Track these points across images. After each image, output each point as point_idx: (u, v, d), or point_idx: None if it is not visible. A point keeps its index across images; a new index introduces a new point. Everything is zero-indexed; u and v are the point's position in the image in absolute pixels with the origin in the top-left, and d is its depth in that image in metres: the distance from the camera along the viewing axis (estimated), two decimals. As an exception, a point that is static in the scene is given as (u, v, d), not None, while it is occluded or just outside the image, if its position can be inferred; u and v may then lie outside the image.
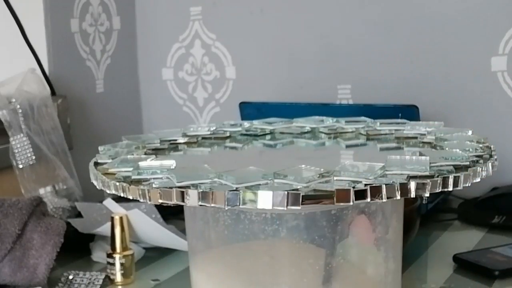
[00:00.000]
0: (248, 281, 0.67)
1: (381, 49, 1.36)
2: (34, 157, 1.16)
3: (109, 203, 1.05)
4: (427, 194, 0.59)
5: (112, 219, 0.96)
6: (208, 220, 0.68)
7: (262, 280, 0.66)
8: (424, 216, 1.11)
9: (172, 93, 1.54)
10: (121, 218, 0.95)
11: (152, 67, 1.55)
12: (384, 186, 0.58)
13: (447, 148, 0.70)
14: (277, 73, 1.45)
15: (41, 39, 1.30)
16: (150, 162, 0.66)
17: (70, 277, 0.96)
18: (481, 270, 0.94)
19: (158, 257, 1.05)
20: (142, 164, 0.65)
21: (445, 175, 0.60)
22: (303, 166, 0.61)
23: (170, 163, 0.65)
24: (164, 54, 1.53)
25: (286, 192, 0.56)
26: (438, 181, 0.60)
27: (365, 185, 0.58)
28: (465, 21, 1.30)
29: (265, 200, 0.57)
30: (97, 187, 0.67)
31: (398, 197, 0.58)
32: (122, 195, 0.63)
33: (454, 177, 0.61)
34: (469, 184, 0.62)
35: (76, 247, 1.04)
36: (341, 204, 0.57)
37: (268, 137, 0.84)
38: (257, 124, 0.86)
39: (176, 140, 0.82)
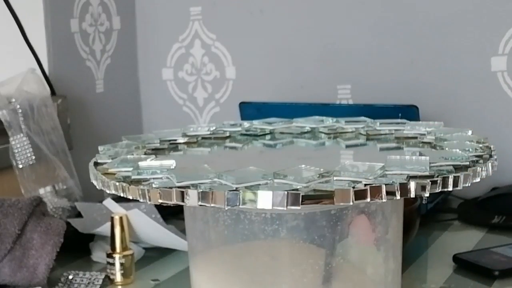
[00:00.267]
0: (248, 281, 0.67)
1: (381, 49, 1.36)
2: (34, 157, 1.16)
3: (109, 203, 1.05)
4: (427, 194, 0.59)
5: (112, 219, 0.96)
6: (208, 220, 0.68)
7: (262, 280, 0.66)
8: (424, 216, 1.11)
9: (172, 93, 1.54)
10: (121, 218, 0.95)
11: (152, 67, 1.55)
12: (384, 186, 0.58)
13: (447, 148, 0.70)
14: (277, 73, 1.45)
15: (41, 39, 1.30)
16: (150, 162, 0.66)
17: (70, 277, 0.95)
18: (481, 270, 0.94)
19: (158, 257, 1.05)
20: (142, 164, 0.65)
21: (445, 175, 0.60)
22: (303, 166, 0.61)
23: (170, 163, 0.65)
24: (164, 54, 1.53)
25: (286, 192, 0.56)
26: (438, 181, 0.60)
27: (365, 185, 0.58)
28: (465, 21, 1.30)
29: (265, 200, 0.57)
30: (97, 187, 0.67)
31: (398, 197, 0.58)
32: (122, 195, 0.63)
33: (454, 177, 0.61)
34: (469, 184, 0.62)
35: (76, 247, 1.04)
36: (341, 204, 0.57)
37: (268, 137, 0.84)
38: (257, 124, 0.86)
39: (176, 140, 0.82)
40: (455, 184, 0.61)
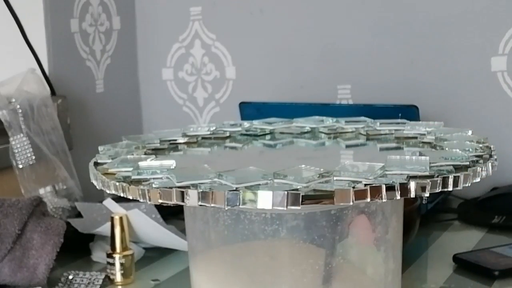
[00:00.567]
0: (248, 281, 0.67)
1: (381, 49, 1.36)
2: (34, 157, 1.16)
3: (109, 203, 1.05)
4: (427, 194, 0.59)
5: (112, 219, 0.96)
6: (208, 220, 0.68)
7: (262, 280, 0.66)
8: (424, 216, 1.11)
9: (172, 93, 1.54)
10: (121, 218, 0.95)
11: (152, 67, 1.55)
12: (384, 186, 0.58)
13: (447, 148, 0.70)
14: (277, 73, 1.45)
15: (41, 39, 1.30)
16: (150, 162, 0.66)
17: (70, 277, 0.95)
18: (481, 270, 0.94)
19: (158, 257, 1.05)
20: (142, 164, 0.65)
21: (445, 175, 0.60)
22: (303, 166, 0.61)
23: (170, 163, 0.65)
24: (164, 54, 1.53)
25: (286, 192, 0.56)
26: (438, 181, 0.60)
27: (365, 185, 0.58)
28: (465, 21, 1.30)
29: (265, 200, 0.57)
30: (97, 187, 0.67)
31: (398, 197, 0.58)
32: (122, 195, 0.63)
33: (454, 177, 0.61)
34: (469, 184, 0.62)
35: (76, 247, 1.04)
36: (341, 204, 0.57)
37: (268, 137, 0.84)
38: (257, 124, 0.86)
39: (176, 140, 0.82)
40: (455, 184, 0.61)
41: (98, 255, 1.04)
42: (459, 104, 1.31)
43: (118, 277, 0.95)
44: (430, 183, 0.59)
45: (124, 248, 0.96)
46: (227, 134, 0.84)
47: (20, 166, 1.16)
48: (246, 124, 0.86)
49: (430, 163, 0.62)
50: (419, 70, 1.34)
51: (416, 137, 0.79)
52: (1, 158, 1.16)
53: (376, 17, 1.36)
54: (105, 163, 0.70)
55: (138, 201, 0.62)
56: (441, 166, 0.63)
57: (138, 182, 0.62)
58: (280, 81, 1.44)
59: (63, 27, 1.34)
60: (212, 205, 0.58)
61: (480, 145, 0.70)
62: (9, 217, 0.93)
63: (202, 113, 1.52)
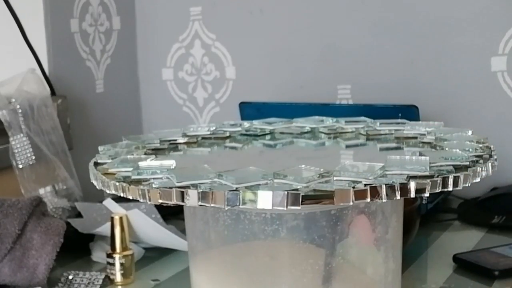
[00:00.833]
0: (248, 281, 0.67)
1: (381, 49, 1.36)
2: (34, 157, 1.16)
3: (109, 203, 1.05)
4: (427, 194, 0.59)
5: (112, 219, 0.96)
6: (208, 220, 0.68)
7: (262, 280, 0.66)
8: (424, 216, 1.11)
9: (172, 93, 1.54)
10: (121, 218, 0.95)
11: (152, 67, 1.55)
12: (384, 186, 0.58)
13: (447, 148, 0.70)
14: (277, 73, 1.45)
15: (41, 39, 1.30)
16: (150, 162, 0.66)
17: (70, 277, 0.95)
18: (481, 270, 0.94)
19: (158, 257, 1.05)
20: (142, 164, 0.65)
21: (445, 175, 0.60)
22: (303, 166, 0.61)
23: (170, 163, 0.65)
24: (164, 54, 1.53)
25: (286, 192, 0.56)
26: (438, 181, 0.60)
27: (365, 185, 0.58)
28: (465, 21, 1.30)
29: (265, 200, 0.57)
30: (97, 187, 0.67)
31: (398, 197, 0.58)
32: (122, 195, 0.63)
33: (454, 177, 0.61)
34: (469, 184, 0.62)
35: (76, 247, 1.04)
36: (341, 204, 0.57)
37: (268, 137, 0.84)
38: (257, 124, 0.86)
39: (176, 140, 0.82)
40: (455, 184, 0.61)
41: (98, 255, 1.04)
42: (459, 104, 1.31)
43: (118, 277, 0.95)
44: (430, 183, 0.59)
45: (124, 248, 0.96)
46: (227, 134, 0.84)
47: (20, 166, 1.16)
48: (246, 124, 0.86)
49: (430, 163, 0.62)
50: (419, 70, 1.34)
51: (416, 137, 0.79)
52: (1, 158, 1.16)
53: (376, 17, 1.36)
54: (105, 163, 0.70)
55: (138, 201, 0.62)
56: (441, 166, 0.63)
57: (138, 182, 0.62)
58: (280, 81, 1.44)
59: (63, 27, 1.34)
60: (212, 205, 0.58)
61: (480, 145, 0.70)
62: (9, 217, 0.93)
63: (202, 113, 1.52)
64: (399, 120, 0.84)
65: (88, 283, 0.94)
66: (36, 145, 1.17)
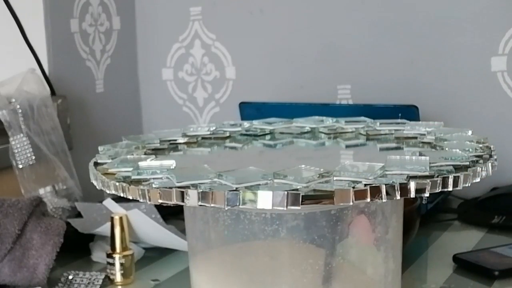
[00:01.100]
0: (248, 281, 0.67)
1: (381, 49, 1.36)
2: (34, 157, 1.16)
3: (109, 203, 1.05)
4: (427, 194, 0.59)
5: (112, 219, 0.96)
6: (208, 220, 0.68)
7: (262, 280, 0.66)
8: (424, 216, 1.11)
9: (172, 93, 1.54)
10: (121, 218, 0.95)
11: (152, 67, 1.55)
12: (384, 186, 0.58)
13: (447, 148, 0.70)
14: (277, 73, 1.45)
15: (41, 39, 1.30)
16: (150, 162, 0.66)
17: (70, 277, 0.95)
18: (481, 270, 0.94)
19: (158, 257, 1.05)
20: (142, 164, 0.65)
21: (445, 175, 0.60)
22: (303, 166, 0.61)
23: (170, 163, 0.65)
24: (164, 54, 1.53)
25: (286, 192, 0.56)
26: (438, 181, 0.60)
27: (365, 185, 0.58)
28: (465, 21, 1.30)
29: (265, 200, 0.57)
30: (97, 187, 0.67)
31: (398, 197, 0.58)
32: (122, 195, 0.63)
33: (454, 177, 0.61)
34: (469, 184, 0.62)
35: (76, 247, 1.04)
36: (341, 204, 0.57)
37: (268, 137, 0.84)
38: (257, 124, 0.86)
39: (176, 140, 0.82)
40: (455, 184, 0.61)
41: (98, 255, 1.04)
42: (459, 104, 1.31)
43: (118, 277, 0.95)
44: (430, 183, 0.59)
45: (124, 248, 0.96)
46: (227, 134, 0.84)
47: (20, 166, 1.16)
48: (246, 124, 0.86)
49: (430, 163, 0.62)
50: (419, 70, 1.34)
51: (416, 137, 0.79)
52: (1, 158, 1.16)
53: (376, 17, 1.36)
54: (105, 163, 0.70)
55: (138, 201, 0.62)
56: (441, 166, 0.63)
57: (138, 182, 0.62)
58: (280, 81, 1.44)
59: (63, 27, 1.34)
60: (212, 205, 0.58)
61: (480, 145, 0.70)
62: (9, 217, 0.93)
63: (202, 113, 1.52)
64: (399, 120, 0.83)
65: (88, 283, 0.94)
66: (36, 145, 1.17)
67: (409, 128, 0.81)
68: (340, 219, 0.64)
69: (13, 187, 1.15)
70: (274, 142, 0.83)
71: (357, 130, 0.83)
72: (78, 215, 1.12)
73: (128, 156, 0.71)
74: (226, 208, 0.57)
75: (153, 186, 0.60)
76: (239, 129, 0.85)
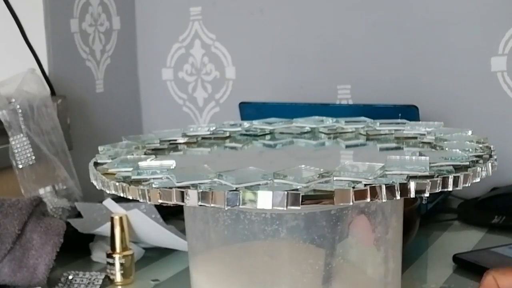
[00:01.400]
0: (248, 281, 0.66)
1: (381, 49, 1.36)
2: (34, 157, 1.16)
3: (109, 203, 1.05)
4: (427, 194, 0.59)
5: (112, 219, 0.96)
6: (208, 220, 0.67)
7: (262, 280, 0.66)
8: (424, 216, 1.11)
9: (172, 93, 1.54)
10: (120, 218, 0.95)
11: (152, 67, 1.55)
12: (384, 186, 0.58)
13: (447, 148, 0.70)
14: (277, 73, 1.45)
15: (41, 39, 1.30)
16: (150, 162, 0.65)
17: (70, 277, 0.95)
18: (481, 270, 0.94)
19: (158, 257, 1.05)
20: (142, 164, 0.65)
21: (445, 175, 0.60)
22: (303, 166, 0.61)
23: (170, 163, 0.65)
24: (164, 54, 1.53)
25: (286, 192, 0.56)
26: (438, 181, 0.60)
27: (365, 185, 0.58)
28: (465, 21, 1.30)
29: (265, 200, 0.56)
30: (97, 187, 0.67)
31: (398, 197, 0.58)
32: (122, 195, 0.63)
33: (454, 177, 0.61)
34: (469, 184, 0.62)
35: (76, 247, 1.04)
36: (341, 204, 0.57)
37: (268, 137, 0.84)
38: (257, 124, 0.85)
39: (176, 140, 0.82)
40: (455, 184, 0.61)
41: (98, 255, 1.04)
42: (459, 104, 1.31)
43: (118, 277, 0.95)
44: (430, 183, 0.59)
45: (124, 248, 0.96)
46: (227, 134, 0.84)
47: (20, 166, 1.16)
48: (246, 124, 0.86)
49: (430, 163, 0.62)
50: (419, 70, 1.34)
51: (416, 137, 0.79)
52: (1, 158, 1.16)
53: (376, 17, 1.36)
54: (105, 163, 0.70)
55: (138, 201, 0.62)
56: (441, 166, 0.62)
57: (138, 182, 0.62)
58: (280, 81, 1.44)
59: (63, 27, 1.34)
60: (212, 205, 0.58)
61: (480, 145, 0.70)
62: (9, 217, 0.93)
63: (202, 113, 1.52)
64: (399, 120, 0.83)
65: (88, 283, 0.94)
66: (36, 145, 1.17)
67: (409, 128, 0.81)
68: (340, 219, 0.64)
69: (13, 187, 1.15)
70: (274, 142, 0.83)
71: (357, 130, 0.83)
72: (78, 215, 1.12)
73: (128, 156, 0.71)
74: (226, 208, 0.57)
75: (153, 186, 0.60)
76: (239, 129, 0.85)
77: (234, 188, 0.58)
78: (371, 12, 1.36)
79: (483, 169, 0.64)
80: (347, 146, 0.80)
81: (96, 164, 0.71)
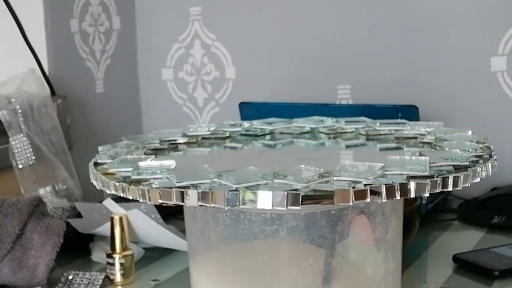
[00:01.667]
0: (248, 281, 0.67)
1: (381, 49, 1.36)
2: (34, 157, 1.16)
3: (108, 203, 1.05)
4: (426, 194, 0.59)
5: (111, 219, 0.96)
6: (208, 220, 0.67)
7: (262, 280, 0.66)
8: (424, 216, 1.11)
9: (172, 93, 1.54)
10: (120, 218, 0.95)
11: (152, 67, 1.55)
12: (383, 186, 0.58)
13: (446, 148, 0.70)
14: (277, 73, 1.45)
15: (41, 39, 1.30)
16: (150, 162, 0.65)
17: (70, 277, 0.95)
18: (481, 270, 0.94)
19: (158, 257, 1.05)
20: (142, 164, 0.65)
21: (445, 175, 0.60)
22: (303, 166, 0.61)
23: (170, 163, 0.65)
24: (164, 54, 1.53)
25: (285, 192, 0.56)
26: (438, 181, 0.60)
27: (365, 185, 0.58)
28: (465, 21, 1.30)
29: (265, 200, 0.56)
30: (97, 187, 0.67)
31: (398, 197, 0.58)
32: (122, 195, 0.63)
33: (454, 177, 0.61)
34: (469, 184, 0.62)
35: (76, 247, 1.04)
36: (341, 204, 0.57)
37: (268, 137, 0.84)
38: (257, 124, 0.85)
39: (176, 140, 0.82)
40: (455, 184, 0.61)
41: (98, 255, 1.04)
42: (459, 104, 1.31)
43: (118, 277, 0.95)
44: (430, 183, 0.59)
45: (124, 248, 0.96)
46: (227, 134, 0.84)
47: (20, 166, 1.16)
48: (246, 124, 0.86)
49: (430, 163, 0.62)
50: (419, 70, 1.34)
51: (416, 137, 0.79)
52: (1, 158, 1.16)
53: (376, 17, 1.36)
54: (105, 163, 0.70)
55: (138, 201, 0.62)
56: (441, 166, 0.63)
57: (138, 182, 0.62)
58: (280, 81, 1.44)
59: (63, 27, 1.34)
60: (212, 205, 0.58)
61: (480, 145, 0.70)
62: (9, 217, 0.93)
63: (202, 113, 1.52)
64: (399, 120, 0.83)
65: (88, 283, 0.94)
66: (36, 145, 1.17)
67: (409, 128, 0.81)
68: (340, 219, 0.64)
69: (13, 187, 1.15)
70: (274, 142, 0.83)
71: (357, 130, 0.83)
72: (78, 215, 1.12)
73: (128, 156, 0.71)
74: (226, 208, 0.57)
75: (153, 186, 0.60)
76: (239, 129, 0.85)
77: (234, 188, 0.58)
78: (371, 12, 1.36)
79: (483, 169, 0.64)
80: (347, 146, 0.80)
81: (96, 164, 0.71)
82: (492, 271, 0.93)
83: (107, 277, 0.96)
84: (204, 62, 1.50)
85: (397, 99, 1.29)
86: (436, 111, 1.30)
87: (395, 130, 0.81)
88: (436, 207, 1.21)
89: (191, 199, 0.58)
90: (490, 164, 0.65)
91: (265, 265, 0.66)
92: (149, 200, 0.60)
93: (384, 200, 0.58)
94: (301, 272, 0.65)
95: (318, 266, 0.65)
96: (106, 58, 1.46)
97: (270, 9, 1.44)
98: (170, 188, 0.59)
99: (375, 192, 0.57)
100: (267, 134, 0.85)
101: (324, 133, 0.84)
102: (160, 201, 0.60)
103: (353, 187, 0.57)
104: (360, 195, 0.57)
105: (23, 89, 1.18)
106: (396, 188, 0.58)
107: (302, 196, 0.56)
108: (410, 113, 1.13)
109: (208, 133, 0.84)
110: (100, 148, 0.75)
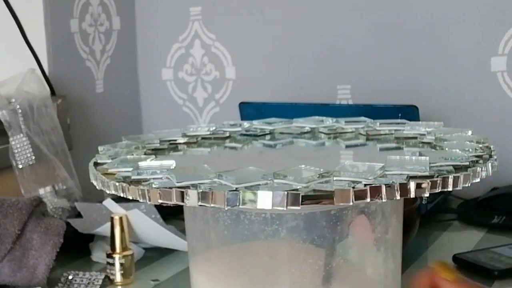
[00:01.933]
0: (248, 281, 0.66)
1: (381, 49, 1.36)
2: (33, 157, 1.16)
3: (108, 203, 1.05)
4: (426, 194, 0.59)
5: (111, 219, 0.96)
6: (208, 220, 0.67)
7: (262, 280, 0.66)
8: (424, 216, 1.11)
9: (171, 93, 1.54)
10: (120, 218, 0.95)
11: (151, 67, 1.55)
12: (383, 186, 0.58)
13: (446, 148, 0.70)
14: (277, 73, 1.45)
15: (41, 39, 1.30)
16: (150, 162, 0.65)
17: (70, 277, 0.95)
18: (481, 270, 0.94)
19: (158, 257, 1.05)
20: (141, 164, 0.65)
21: (445, 175, 0.60)
22: (303, 166, 0.61)
23: (170, 163, 0.65)
24: (164, 54, 1.53)
25: (285, 192, 0.56)
26: (438, 181, 0.60)
27: (365, 185, 0.58)
28: (465, 21, 1.30)
29: (264, 200, 0.56)
30: (97, 187, 0.67)
31: (398, 197, 0.58)
32: (122, 195, 0.63)
33: (454, 177, 0.61)
34: (469, 184, 0.62)
35: (76, 247, 1.04)
36: (341, 204, 0.57)
37: (268, 137, 0.84)
38: (257, 124, 0.85)
39: (175, 140, 0.82)
40: (455, 184, 0.61)
41: (98, 255, 1.04)
42: (459, 104, 1.31)
43: (118, 277, 0.95)
44: (430, 183, 0.59)
45: (124, 248, 0.96)
46: (227, 134, 0.84)
47: (20, 166, 1.16)
48: (246, 124, 0.86)
49: (430, 163, 0.62)
50: (419, 70, 1.34)
51: (416, 137, 0.79)
52: (1, 158, 1.16)
53: (376, 17, 1.36)
54: (105, 163, 0.70)
55: (138, 201, 0.62)
56: (441, 166, 0.62)
57: (138, 182, 0.62)
58: (280, 81, 1.44)
59: (63, 27, 1.34)
60: (212, 205, 0.57)
61: (480, 145, 0.70)
62: (9, 217, 0.93)
63: (202, 113, 1.52)
64: (399, 120, 0.83)
65: (88, 283, 0.94)
66: (36, 145, 1.17)
67: (409, 128, 0.81)
68: (340, 219, 0.64)
69: (13, 187, 1.15)
70: (274, 142, 0.83)
71: (357, 130, 0.83)
72: (78, 215, 1.12)
73: (128, 156, 0.71)
74: (226, 208, 0.57)
75: (153, 186, 0.60)
76: (239, 129, 0.85)
77: (234, 188, 0.58)
78: (371, 12, 1.36)
79: (483, 169, 0.64)
80: (347, 146, 0.80)
81: (96, 164, 0.71)
82: (492, 271, 0.93)
83: (107, 277, 0.96)
84: (204, 62, 1.50)
85: (397, 99, 1.29)
86: (436, 111, 1.30)
87: (395, 130, 0.81)
88: (436, 207, 1.21)
89: (191, 199, 0.58)
90: (490, 164, 0.65)
91: (265, 265, 0.66)
92: (149, 200, 0.60)
93: (384, 200, 0.58)
94: (301, 272, 0.65)
95: (318, 266, 0.65)
96: (106, 58, 1.46)
97: (270, 9, 1.44)
98: (170, 188, 0.59)
99: (375, 192, 0.57)
100: (267, 134, 0.85)
101: (324, 133, 0.84)
102: (160, 201, 0.59)
103: (353, 187, 0.57)
104: (360, 195, 0.57)
105: (23, 89, 1.18)
106: (396, 188, 0.58)
107: (302, 196, 0.56)
108: (410, 113, 1.13)
109: (208, 133, 0.84)
110: (100, 148, 0.75)
